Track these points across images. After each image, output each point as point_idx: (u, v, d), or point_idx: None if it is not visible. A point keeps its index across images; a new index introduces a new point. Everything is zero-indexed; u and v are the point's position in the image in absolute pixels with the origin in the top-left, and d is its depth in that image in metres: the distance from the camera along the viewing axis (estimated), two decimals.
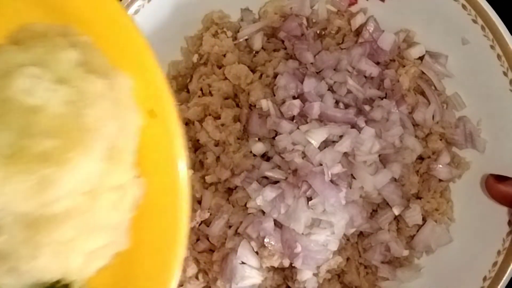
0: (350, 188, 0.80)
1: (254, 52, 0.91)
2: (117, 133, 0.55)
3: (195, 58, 0.92)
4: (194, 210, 0.82)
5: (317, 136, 0.79)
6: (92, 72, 0.55)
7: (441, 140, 0.88)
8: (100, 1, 0.58)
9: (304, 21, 0.90)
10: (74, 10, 0.58)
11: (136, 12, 0.81)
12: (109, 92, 0.55)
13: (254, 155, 0.84)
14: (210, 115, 0.85)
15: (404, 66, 0.88)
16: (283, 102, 0.83)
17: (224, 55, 0.88)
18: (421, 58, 0.89)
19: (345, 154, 0.80)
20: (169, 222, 0.58)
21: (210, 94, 0.87)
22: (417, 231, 0.86)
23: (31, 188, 0.50)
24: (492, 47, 0.82)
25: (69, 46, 0.55)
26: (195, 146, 0.86)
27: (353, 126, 0.82)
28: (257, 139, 0.84)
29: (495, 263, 0.79)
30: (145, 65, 0.58)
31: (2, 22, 0.57)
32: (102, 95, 0.55)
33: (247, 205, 0.81)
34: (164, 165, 0.59)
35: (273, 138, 0.83)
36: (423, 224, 0.85)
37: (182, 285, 0.83)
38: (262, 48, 0.91)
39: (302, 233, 0.78)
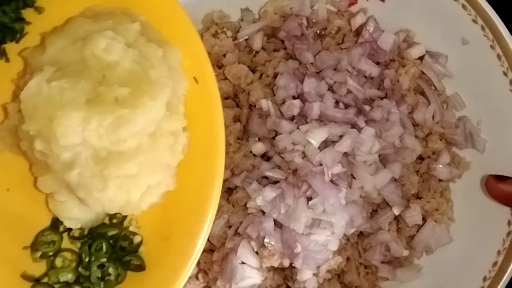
0: (350, 188, 0.80)
1: (254, 52, 0.91)
2: (172, 90, 0.67)
3: None
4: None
5: (317, 136, 0.79)
6: (151, 41, 0.67)
7: (441, 140, 0.88)
8: None
9: (304, 21, 0.90)
10: None
11: None
12: (164, 59, 0.67)
13: (254, 155, 0.84)
14: None
15: (404, 66, 0.88)
16: (283, 102, 0.83)
17: (224, 55, 0.88)
18: (421, 58, 0.89)
19: (345, 154, 0.80)
20: (208, 166, 0.70)
21: None
22: (417, 231, 0.86)
23: (108, 126, 0.61)
24: (492, 47, 0.82)
25: (131, 21, 0.67)
26: None
27: (353, 126, 0.82)
28: (257, 139, 0.84)
29: (495, 263, 0.79)
30: (190, 41, 0.72)
31: (73, 4, 0.70)
32: (161, 60, 0.67)
33: (247, 205, 0.81)
34: (205, 120, 0.71)
35: (273, 138, 0.83)
36: (423, 224, 0.85)
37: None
38: (262, 48, 0.91)
39: (302, 233, 0.78)
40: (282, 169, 0.81)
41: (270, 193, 0.79)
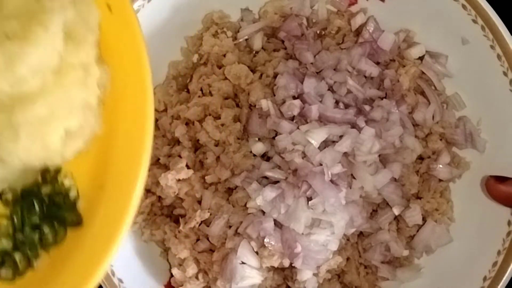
0: (350, 188, 0.80)
1: (254, 52, 0.91)
2: (76, 18, 0.60)
3: (195, 58, 0.92)
4: (194, 210, 0.82)
5: (317, 136, 0.79)
6: None
7: (441, 140, 0.88)
8: None
9: (304, 21, 0.91)
10: None
11: (136, 12, 0.81)
12: None
13: (254, 155, 0.84)
14: (210, 115, 0.85)
15: (404, 66, 0.88)
16: (283, 102, 0.83)
17: (224, 55, 0.88)
18: (421, 58, 0.89)
19: (345, 154, 0.80)
20: (138, 105, 0.62)
21: (210, 94, 0.87)
22: (417, 231, 0.86)
23: (1, 65, 0.55)
24: (492, 47, 0.82)
25: None
26: (195, 146, 0.86)
27: (353, 126, 0.82)
28: (257, 139, 0.84)
29: (495, 263, 0.79)
30: None
31: None
32: None
33: (247, 205, 0.81)
34: (127, 54, 0.63)
35: (273, 138, 0.83)
36: (423, 224, 0.85)
37: (182, 285, 0.83)
38: (262, 48, 0.91)
39: (302, 233, 0.78)
40: (282, 169, 0.81)
41: (270, 193, 0.79)
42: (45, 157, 0.62)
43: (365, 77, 0.87)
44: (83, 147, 0.64)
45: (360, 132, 0.80)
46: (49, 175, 0.65)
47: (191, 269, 0.82)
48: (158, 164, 0.86)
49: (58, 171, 0.65)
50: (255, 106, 0.85)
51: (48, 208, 0.64)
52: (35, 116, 0.58)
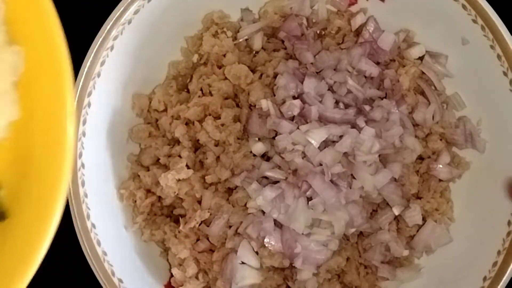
0: (350, 188, 0.80)
1: (254, 52, 0.91)
2: None
3: (195, 58, 0.92)
4: (194, 210, 0.82)
5: (317, 136, 0.79)
6: None
7: (441, 140, 0.88)
8: None
9: (304, 21, 0.90)
10: None
11: (136, 12, 0.81)
12: None
13: (254, 155, 0.84)
14: (210, 115, 0.85)
15: (404, 66, 0.88)
16: (283, 102, 0.83)
17: (224, 55, 0.88)
18: (421, 58, 0.89)
19: (345, 154, 0.80)
20: (57, 86, 0.59)
21: (210, 94, 0.87)
22: (417, 231, 0.86)
23: None
24: (492, 47, 0.82)
25: None
26: (195, 146, 0.86)
27: (353, 126, 0.82)
28: (257, 139, 0.84)
29: (495, 263, 0.79)
30: None
31: None
32: None
33: (247, 205, 0.81)
34: (40, 36, 0.59)
35: (273, 138, 0.83)
36: (423, 224, 0.85)
37: (182, 285, 0.83)
38: (262, 48, 0.91)
39: (302, 233, 0.78)
40: (282, 169, 0.81)
41: (270, 193, 0.79)
42: None
43: (365, 77, 0.87)
44: (1, 135, 0.60)
45: (360, 132, 0.80)
46: None
47: (191, 269, 0.82)
48: (158, 164, 0.86)
49: None
50: (255, 106, 0.85)
51: None
52: None
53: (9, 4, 0.59)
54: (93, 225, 0.78)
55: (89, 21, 0.82)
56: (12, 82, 0.60)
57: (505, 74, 0.81)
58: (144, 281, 0.84)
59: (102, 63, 0.80)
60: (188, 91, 0.90)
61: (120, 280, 0.79)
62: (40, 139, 0.60)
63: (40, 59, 0.59)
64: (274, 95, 0.85)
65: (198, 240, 0.84)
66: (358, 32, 0.90)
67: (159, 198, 0.86)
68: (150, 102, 0.88)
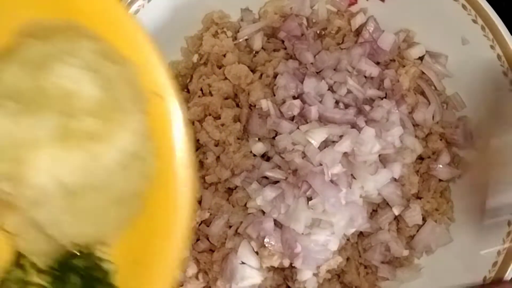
0: (350, 188, 0.80)
1: (254, 52, 0.91)
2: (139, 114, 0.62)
3: (195, 58, 0.92)
4: (194, 210, 0.82)
5: (317, 136, 0.79)
6: (107, 59, 0.62)
7: (441, 140, 0.88)
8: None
9: (304, 21, 0.90)
10: (75, 5, 0.63)
11: (136, 12, 0.81)
12: (123, 77, 0.62)
13: (254, 155, 0.84)
14: (210, 115, 0.85)
15: (404, 66, 0.88)
16: (283, 102, 0.83)
17: (224, 55, 0.88)
18: (421, 58, 0.89)
19: (345, 154, 0.80)
20: (180, 188, 0.65)
21: (210, 94, 0.87)
22: (417, 231, 0.86)
23: (80, 162, 0.57)
24: (492, 47, 0.82)
25: (82, 37, 0.62)
26: (195, 146, 0.86)
27: (353, 126, 0.82)
28: (257, 139, 0.84)
29: (495, 263, 0.79)
30: (146, 54, 0.66)
31: (10, 19, 0.62)
32: (121, 80, 0.61)
33: (247, 205, 0.81)
34: (170, 139, 0.65)
35: (273, 138, 0.83)
36: (423, 224, 0.85)
37: (182, 285, 0.83)
38: (262, 48, 0.91)
39: (302, 233, 0.78)
40: (282, 169, 0.81)
41: (270, 193, 0.79)
42: (95, 238, 0.63)
43: (365, 77, 0.87)
44: (124, 231, 0.65)
45: (360, 132, 0.80)
46: (84, 247, 0.64)
47: (191, 269, 0.82)
48: None
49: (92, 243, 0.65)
50: (255, 106, 0.85)
51: (86, 282, 0.63)
52: (95, 205, 0.60)
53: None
54: None
55: None
56: (147, 185, 0.64)
57: (505, 74, 0.81)
58: None
59: None
60: (188, 91, 0.90)
61: None
62: (155, 228, 0.65)
63: (166, 162, 0.65)
64: (274, 95, 0.85)
65: (198, 240, 0.84)
66: (358, 32, 0.90)
67: None
68: None
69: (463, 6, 0.82)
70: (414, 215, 0.84)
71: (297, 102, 0.82)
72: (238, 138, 0.85)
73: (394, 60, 0.90)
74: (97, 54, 0.62)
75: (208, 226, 0.82)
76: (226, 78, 0.87)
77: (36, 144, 0.57)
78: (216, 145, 0.84)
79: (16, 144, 0.57)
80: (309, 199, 0.78)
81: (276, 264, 0.80)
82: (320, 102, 0.83)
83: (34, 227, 0.60)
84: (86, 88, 0.59)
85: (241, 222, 0.81)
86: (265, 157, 0.84)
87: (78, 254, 0.64)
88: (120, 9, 0.66)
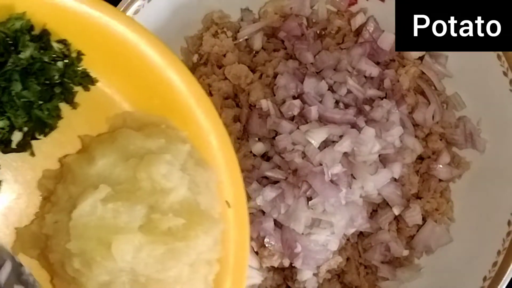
0: (350, 188, 0.80)
1: (254, 52, 0.91)
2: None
3: (195, 58, 0.92)
4: None
5: (317, 136, 0.79)
6: (198, 165, 0.66)
7: (441, 140, 0.88)
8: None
9: (304, 21, 0.90)
10: (169, 105, 0.68)
11: (136, 12, 0.81)
12: (207, 183, 0.66)
13: (254, 155, 0.84)
14: None
15: (404, 66, 0.88)
16: (283, 102, 0.83)
17: (224, 55, 0.88)
18: (421, 58, 0.89)
19: (345, 154, 0.80)
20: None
21: (210, 94, 0.87)
22: (417, 231, 0.86)
23: (158, 256, 0.60)
24: None
25: (178, 139, 0.66)
26: None
27: (353, 126, 0.82)
28: (257, 139, 0.84)
29: (495, 263, 0.79)
30: (229, 162, 0.70)
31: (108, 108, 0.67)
32: (207, 186, 0.66)
33: (247, 205, 0.81)
34: (233, 246, 0.70)
35: (273, 138, 0.83)
36: (423, 224, 0.85)
37: None
38: (262, 48, 0.91)
39: (302, 233, 0.78)
40: (282, 169, 0.81)
41: (270, 193, 0.79)
42: None
43: (365, 77, 0.87)
44: None
45: (360, 132, 0.80)
46: None
47: None
48: None
49: None
50: (255, 106, 0.85)
51: None
52: None
53: None
54: None
55: None
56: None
57: (505, 74, 0.81)
58: None
59: None
60: None
61: None
62: None
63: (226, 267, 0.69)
64: (274, 95, 0.85)
65: None
66: (358, 32, 0.90)
67: None
68: None
69: None
70: (414, 215, 0.84)
71: (297, 102, 0.82)
72: (238, 138, 0.85)
73: (394, 60, 0.90)
74: (191, 157, 0.65)
75: None
76: (226, 78, 0.87)
77: (122, 230, 0.59)
78: None
79: (102, 226, 0.59)
80: (309, 199, 0.78)
81: (276, 264, 0.80)
82: (320, 102, 0.83)
83: None
84: (178, 189, 0.62)
85: None
86: (265, 157, 0.84)
87: None
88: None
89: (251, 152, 0.84)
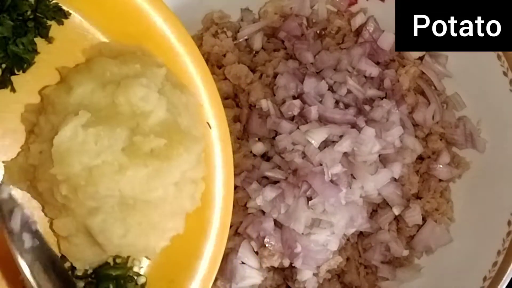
0: (350, 188, 0.80)
1: (254, 52, 0.91)
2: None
3: None
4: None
5: (317, 136, 0.79)
6: (175, 87, 0.66)
7: (441, 140, 0.88)
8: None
9: (304, 21, 0.91)
10: (145, 33, 0.68)
11: None
12: (186, 104, 0.67)
13: (254, 155, 0.84)
14: None
15: (404, 66, 0.88)
16: (283, 102, 0.84)
17: (224, 55, 0.88)
18: (421, 58, 0.89)
19: (345, 154, 0.80)
20: (222, 212, 0.70)
21: None
22: (417, 231, 0.86)
23: (143, 177, 0.60)
24: None
25: (153, 63, 0.66)
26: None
27: (353, 126, 0.82)
28: (257, 139, 0.84)
29: (495, 263, 0.79)
30: (206, 83, 0.71)
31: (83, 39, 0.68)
32: (185, 107, 0.66)
33: (247, 205, 0.81)
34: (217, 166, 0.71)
35: (273, 138, 0.83)
36: (423, 224, 0.85)
37: None
38: (262, 48, 0.91)
39: (302, 233, 0.78)
40: (282, 169, 0.81)
41: (270, 193, 0.79)
42: (140, 252, 0.66)
43: (365, 77, 0.87)
44: (167, 244, 0.67)
45: (360, 132, 0.80)
46: (120, 259, 0.67)
47: None
48: None
49: (128, 257, 0.68)
50: (255, 106, 0.85)
51: None
52: (148, 220, 0.63)
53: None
54: None
55: None
56: (196, 207, 0.68)
57: (505, 74, 0.81)
58: None
59: None
60: None
61: None
62: (189, 251, 0.69)
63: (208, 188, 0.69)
64: (274, 95, 0.85)
65: None
66: (358, 32, 0.90)
67: None
68: None
69: None
70: (414, 215, 0.84)
71: (297, 102, 0.82)
72: (238, 138, 0.85)
73: (394, 60, 0.90)
74: (167, 81, 0.66)
75: None
76: (226, 78, 0.87)
77: (104, 154, 0.59)
78: None
79: (84, 151, 0.59)
80: (309, 199, 0.78)
81: (276, 264, 0.80)
82: (320, 102, 0.83)
83: (83, 233, 0.63)
84: (157, 111, 0.62)
85: (241, 222, 0.81)
86: (265, 157, 0.84)
87: (115, 264, 0.67)
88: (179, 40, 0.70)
89: (251, 152, 0.84)
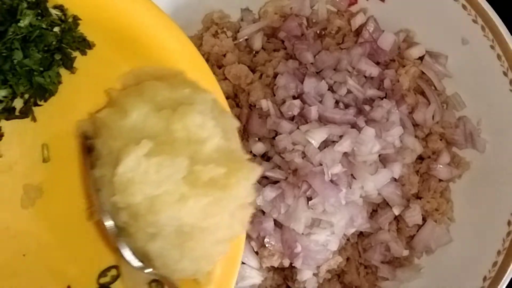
0: (350, 188, 0.80)
1: (254, 52, 0.91)
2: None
3: None
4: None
5: (317, 136, 0.79)
6: (223, 112, 0.67)
7: (441, 140, 0.88)
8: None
9: (304, 21, 0.91)
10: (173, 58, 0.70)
11: None
12: (232, 129, 0.67)
13: (254, 155, 0.84)
14: None
15: (404, 66, 0.88)
16: (283, 102, 0.83)
17: (224, 55, 0.89)
18: (421, 58, 0.89)
19: (345, 154, 0.80)
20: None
21: None
22: (417, 231, 0.86)
23: (203, 207, 0.60)
24: (492, 47, 0.82)
25: (200, 88, 0.66)
26: None
27: (353, 126, 0.82)
28: (257, 139, 0.84)
29: (495, 263, 0.79)
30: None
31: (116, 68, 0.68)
32: (235, 132, 0.67)
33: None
34: None
35: (273, 138, 0.83)
36: (423, 224, 0.85)
37: None
38: (262, 48, 0.91)
39: (302, 233, 0.78)
40: (282, 169, 0.81)
41: (270, 193, 0.79)
42: (191, 275, 0.65)
43: (365, 77, 0.87)
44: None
45: (360, 132, 0.80)
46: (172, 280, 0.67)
47: None
48: None
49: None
50: (255, 106, 0.85)
51: None
52: (202, 247, 0.63)
53: None
54: None
55: None
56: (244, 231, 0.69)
57: (505, 74, 0.81)
58: None
59: None
60: None
61: None
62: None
63: None
64: (274, 95, 0.85)
65: None
66: (358, 32, 0.90)
67: None
68: None
69: (463, 6, 0.82)
70: (414, 215, 0.84)
71: (297, 102, 0.82)
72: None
73: (394, 60, 0.90)
74: (216, 105, 0.66)
75: None
76: (226, 78, 0.87)
77: (165, 184, 0.60)
78: None
79: (147, 181, 0.59)
80: (309, 199, 0.78)
81: (276, 264, 0.80)
82: (320, 102, 0.83)
83: (140, 254, 0.63)
84: (213, 137, 0.62)
85: None
86: (265, 157, 0.84)
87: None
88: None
89: (251, 152, 0.84)
